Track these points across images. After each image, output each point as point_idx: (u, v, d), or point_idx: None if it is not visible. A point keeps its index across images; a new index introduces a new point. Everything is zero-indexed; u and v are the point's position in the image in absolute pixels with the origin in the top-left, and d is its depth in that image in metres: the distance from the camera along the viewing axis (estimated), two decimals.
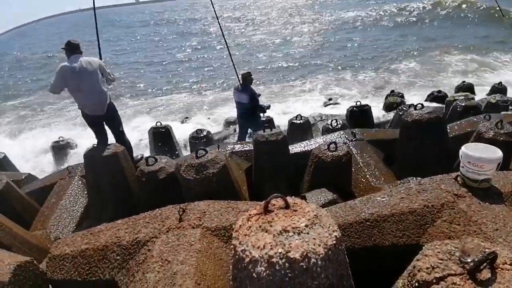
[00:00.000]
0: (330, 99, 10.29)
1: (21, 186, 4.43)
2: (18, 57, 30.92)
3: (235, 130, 6.97)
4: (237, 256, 1.17)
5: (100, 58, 4.34)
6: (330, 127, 5.28)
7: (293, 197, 1.36)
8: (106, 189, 3.75)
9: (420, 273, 1.07)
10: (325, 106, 9.74)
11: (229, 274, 1.60)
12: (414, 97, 9.51)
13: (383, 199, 1.97)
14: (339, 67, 16.26)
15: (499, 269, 1.03)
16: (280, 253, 1.08)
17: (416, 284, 1.07)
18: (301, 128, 5.76)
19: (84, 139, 6.72)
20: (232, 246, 1.23)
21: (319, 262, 1.08)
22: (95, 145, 3.94)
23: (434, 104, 7.35)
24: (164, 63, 21.97)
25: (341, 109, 8.73)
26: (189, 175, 2.98)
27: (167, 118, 10.87)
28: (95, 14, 4.87)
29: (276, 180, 3.63)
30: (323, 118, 7.47)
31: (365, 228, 1.84)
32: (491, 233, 1.56)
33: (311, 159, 3.34)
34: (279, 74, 16.72)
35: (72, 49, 3.90)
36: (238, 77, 5.82)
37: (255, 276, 1.09)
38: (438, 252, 1.10)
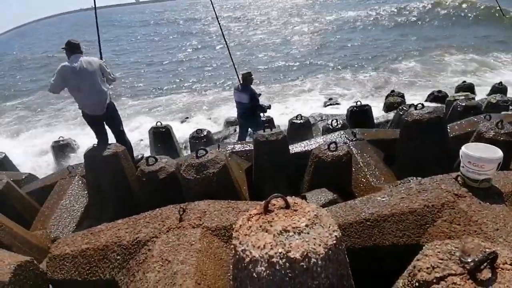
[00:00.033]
0: (330, 99, 10.29)
1: (22, 186, 4.43)
2: (18, 57, 30.94)
3: (235, 130, 6.97)
4: (237, 256, 1.17)
5: (101, 58, 4.34)
6: (330, 127, 5.28)
7: (293, 197, 1.36)
8: (106, 189, 3.75)
9: (420, 273, 1.07)
10: (325, 106, 9.73)
11: (229, 274, 1.60)
12: (414, 97, 9.51)
13: (383, 199, 1.97)
14: (339, 67, 16.27)
15: (500, 269, 1.03)
16: (280, 253, 1.08)
17: (417, 284, 1.07)
18: (301, 128, 5.76)
19: (85, 139, 6.72)
20: (232, 246, 1.23)
21: (319, 262, 1.08)
22: (95, 145, 3.94)
23: (435, 104, 7.35)
24: (164, 63, 21.98)
25: (341, 109, 8.74)
26: (189, 175, 2.98)
27: (167, 118, 10.88)
28: (96, 14, 4.86)
29: (276, 180, 3.63)
30: (323, 118, 7.47)
31: (365, 228, 1.84)
32: (492, 233, 1.56)
33: (311, 159, 3.34)
34: (279, 74, 16.72)
35: (72, 49, 3.90)
36: (238, 77, 5.82)
37: (255, 276, 1.09)
38: (439, 252, 1.10)
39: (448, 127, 4.00)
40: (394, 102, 7.73)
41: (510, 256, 1.07)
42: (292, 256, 1.06)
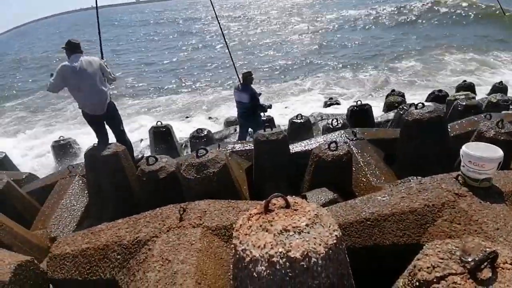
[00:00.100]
0: (330, 99, 10.28)
1: (22, 185, 4.43)
2: (18, 57, 30.94)
3: (235, 130, 6.96)
4: (237, 256, 1.17)
5: (102, 57, 4.34)
6: (331, 126, 5.27)
7: (293, 196, 1.36)
8: (106, 189, 3.75)
9: (420, 272, 1.07)
10: (325, 106, 9.72)
11: (229, 274, 1.60)
12: (414, 96, 9.50)
13: (383, 199, 1.97)
14: (340, 66, 16.26)
15: (500, 268, 1.03)
16: (280, 252, 1.08)
17: (417, 284, 1.07)
18: (301, 128, 5.75)
19: (85, 138, 6.72)
20: (232, 246, 1.23)
21: (320, 262, 1.08)
22: (95, 145, 3.94)
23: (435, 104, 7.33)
24: (164, 62, 21.98)
25: (342, 109, 8.73)
26: (189, 174, 2.98)
27: (168, 118, 10.88)
28: (97, 13, 4.86)
29: (277, 179, 3.63)
30: (323, 118, 7.45)
31: (366, 228, 1.84)
32: (492, 233, 1.56)
33: (312, 158, 3.33)
34: (279, 73, 16.72)
35: (73, 48, 3.90)
36: (238, 77, 5.82)
37: (256, 275, 1.10)
38: (439, 252, 1.10)
39: (449, 127, 4.00)
40: (394, 102, 7.71)
41: (511, 256, 1.07)
42: (292, 256, 1.06)
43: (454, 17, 22.95)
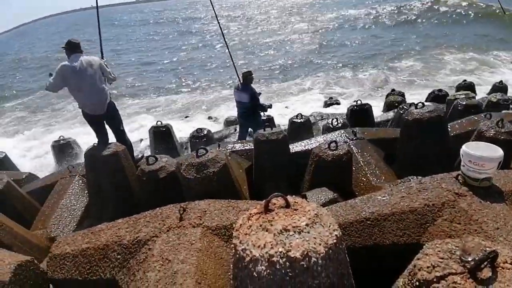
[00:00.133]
0: (330, 98, 10.27)
1: (22, 185, 4.43)
2: (18, 57, 30.93)
3: (235, 129, 6.96)
4: (237, 255, 1.17)
5: (102, 57, 4.34)
6: (331, 126, 5.27)
7: (293, 196, 1.36)
8: (106, 188, 3.75)
9: (420, 272, 1.07)
10: (326, 107, 9.71)
11: (229, 273, 1.60)
12: (414, 96, 9.50)
13: (383, 198, 1.97)
14: (340, 66, 16.26)
15: (500, 268, 1.03)
16: (280, 252, 1.08)
17: (417, 283, 1.07)
18: (301, 127, 5.75)
19: (85, 138, 6.72)
20: (232, 245, 1.23)
21: (320, 261, 1.08)
22: (95, 144, 3.94)
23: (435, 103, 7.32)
24: (164, 62, 21.97)
25: (342, 108, 8.73)
26: (189, 174, 2.98)
27: (168, 118, 10.88)
28: (98, 13, 4.85)
29: (277, 179, 3.63)
30: (323, 117, 7.45)
31: (366, 227, 1.84)
32: (492, 232, 1.56)
33: (312, 158, 3.33)
34: (279, 73, 16.72)
35: (73, 48, 3.89)
36: (238, 76, 5.82)
37: (256, 275, 1.10)
38: (439, 251, 1.10)
39: (449, 126, 4.00)
40: (394, 101, 7.71)
41: (511, 255, 1.07)
42: (292, 255, 1.06)
43: (454, 16, 22.96)
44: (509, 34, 16.93)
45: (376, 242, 1.81)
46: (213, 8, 6.43)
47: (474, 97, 5.82)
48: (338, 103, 9.76)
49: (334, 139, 3.67)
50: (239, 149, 4.29)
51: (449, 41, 17.49)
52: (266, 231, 1.16)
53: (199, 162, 2.99)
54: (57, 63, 3.93)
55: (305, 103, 10.78)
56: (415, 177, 2.84)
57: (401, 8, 27.59)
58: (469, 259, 1.03)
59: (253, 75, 5.71)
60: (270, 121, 6.51)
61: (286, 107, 10.45)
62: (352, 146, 3.81)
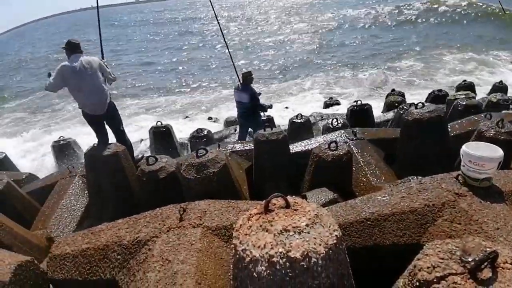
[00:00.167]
0: (330, 98, 10.27)
1: (22, 185, 4.43)
2: (18, 57, 30.93)
3: (235, 130, 6.96)
4: (237, 256, 1.17)
5: (102, 57, 4.34)
6: (331, 126, 5.27)
7: (293, 196, 1.36)
8: (106, 189, 3.75)
9: (421, 272, 1.07)
10: (325, 107, 9.70)
11: (229, 274, 1.60)
12: (414, 96, 9.50)
13: (383, 198, 1.97)
14: (339, 66, 16.26)
15: (500, 268, 1.03)
16: (280, 252, 1.07)
17: (417, 284, 1.06)
18: (301, 127, 5.75)
19: (85, 138, 6.71)
20: (232, 246, 1.23)
21: (320, 262, 1.08)
22: (95, 145, 3.94)
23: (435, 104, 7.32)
24: (164, 62, 21.97)
25: (342, 108, 8.73)
26: (189, 174, 2.98)
27: (168, 118, 10.88)
28: (98, 14, 4.84)
29: (277, 179, 3.63)
30: (323, 117, 7.45)
31: (366, 227, 1.84)
32: (492, 232, 1.56)
33: (312, 158, 3.33)
34: (279, 73, 16.72)
35: (72, 48, 3.90)
36: (238, 77, 5.82)
37: (256, 275, 1.09)
38: (439, 251, 1.10)
39: (449, 126, 4.00)
40: (394, 101, 7.71)
41: (511, 255, 1.06)
42: (292, 256, 1.06)
43: (453, 16, 22.96)
44: (509, 34, 16.94)
45: (376, 243, 1.80)
46: (213, 8, 6.43)
47: (474, 97, 5.81)
48: (338, 103, 9.75)
49: (334, 139, 3.67)
50: (239, 149, 4.29)
51: (449, 41, 17.51)
52: (266, 231, 1.16)
53: (199, 163, 2.99)
54: (57, 63, 3.94)
55: (305, 103, 10.78)
56: (415, 177, 2.84)
57: (401, 8, 27.59)
58: (469, 259, 1.03)
59: (253, 76, 5.71)
60: (270, 121, 6.51)
61: (286, 107, 10.44)
62: (352, 146, 3.81)
